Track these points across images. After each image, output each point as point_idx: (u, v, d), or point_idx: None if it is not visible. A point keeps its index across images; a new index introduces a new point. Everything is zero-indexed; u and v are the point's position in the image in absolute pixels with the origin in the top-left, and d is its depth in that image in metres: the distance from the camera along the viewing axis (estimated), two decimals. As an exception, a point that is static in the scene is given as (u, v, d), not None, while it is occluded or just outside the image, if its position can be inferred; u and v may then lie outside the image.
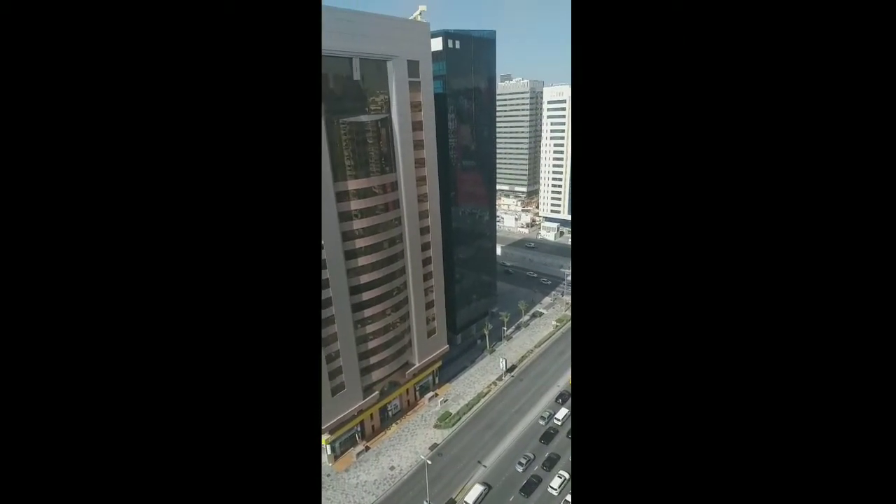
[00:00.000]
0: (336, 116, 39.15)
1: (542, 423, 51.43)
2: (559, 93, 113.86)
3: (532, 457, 46.34)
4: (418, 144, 47.48)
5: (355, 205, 42.23)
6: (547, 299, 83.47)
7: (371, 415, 50.20)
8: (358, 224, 42.92)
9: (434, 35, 52.12)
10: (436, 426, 51.64)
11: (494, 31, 63.77)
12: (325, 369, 43.34)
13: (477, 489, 42.39)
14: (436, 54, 51.92)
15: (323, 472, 45.62)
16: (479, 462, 46.44)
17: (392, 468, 46.00)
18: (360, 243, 43.62)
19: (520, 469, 44.91)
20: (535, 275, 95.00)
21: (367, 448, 48.68)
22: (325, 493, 43.10)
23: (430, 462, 43.82)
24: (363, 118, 41.73)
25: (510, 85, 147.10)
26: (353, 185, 41.61)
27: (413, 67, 44.47)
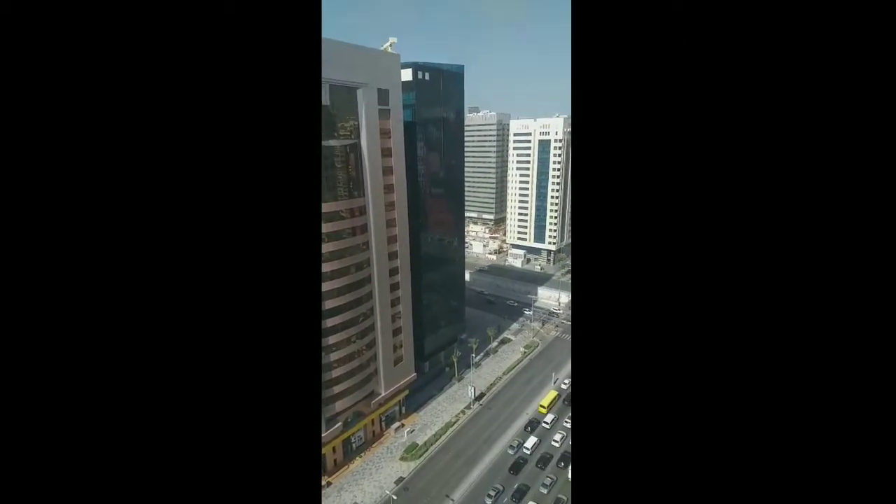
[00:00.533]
0: (304, 140, 39.04)
1: (511, 452, 50.57)
2: (524, 125, 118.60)
3: (501, 489, 45.21)
4: (387, 170, 47.83)
5: (323, 228, 41.63)
6: (515, 325, 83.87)
7: (334, 448, 47.82)
8: (325, 248, 42.17)
9: (404, 66, 53.56)
10: (402, 458, 49.74)
11: (462, 66, 66.31)
12: (285, 400, 41.26)
13: (444, 524, 40.62)
14: (406, 84, 53.24)
15: (280, 513, 42.63)
16: (447, 496, 44.83)
17: (355, 505, 43.64)
18: (326, 267, 42.70)
19: (489, 502, 43.64)
20: (505, 301, 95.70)
21: (329, 483, 46.10)
22: (282, 536, 40.10)
23: (395, 497, 41.95)
24: (332, 142, 41.76)
25: (478, 117, 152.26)
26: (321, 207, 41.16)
27: (383, 95, 45.33)
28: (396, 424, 55.15)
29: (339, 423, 47.28)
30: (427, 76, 59.98)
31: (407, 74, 55.94)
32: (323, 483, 45.65)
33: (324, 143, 40.80)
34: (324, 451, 46.43)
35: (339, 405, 46.92)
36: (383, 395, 52.19)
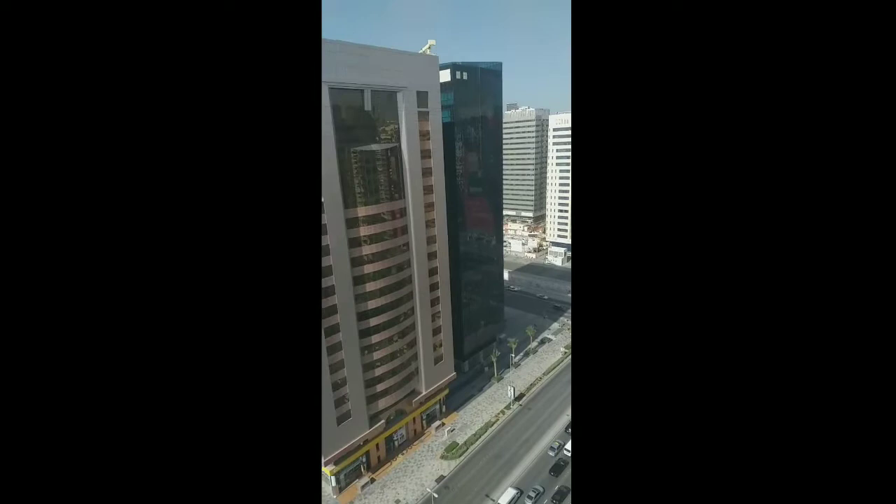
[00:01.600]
0: (348, 145, 40.06)
1: (551, 454, 49.91)
2: (564, 120, 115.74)
3: (542, 490, 44.75)
4: (426, 171, 48.23)
5: (364, 231, 42.63)
6: (555, 325, 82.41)
7: (377, 445, 49.08)
8: (367, 250, 43.20)
9: (443, 67, 53.76)
10: (442, 457, 50.29)
11: (500, 63, 65.63)
12: (330, 397, 42.77)
13: (485, 525, 40.76)
14: (444, 85, 53.40)
15: (327, 505, 44.31)
16: (488, 496, 44.92)
17: (398, 502, 44.60)
18: (368, 269, 43.77)
19: (529, 503, 43.33)
20: (545, 300, 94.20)
21: (373, 480, 47.39)
22: (329, 527, 41.65)
23: (436, 495, 42.50)
24: (374, 147, 42.63)
25: (516, 113, 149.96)
26: (362, 211, 42.14)
27: (422, 98, 45.69)
28: (437, 423, 55.77)
29: (382, 421, 48.41)
30: (465, 76, 59.87)
31: (445, 75, 56.11)
32: (367, 479, 46.98)
33: (365, 147, 41.74)
34: (367, 448, 47.74)
35: (381, 403, 48.05)
36: (424, 393, 52.91)
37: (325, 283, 40.63)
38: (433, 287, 52.30)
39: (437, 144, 48.55)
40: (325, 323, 41.31)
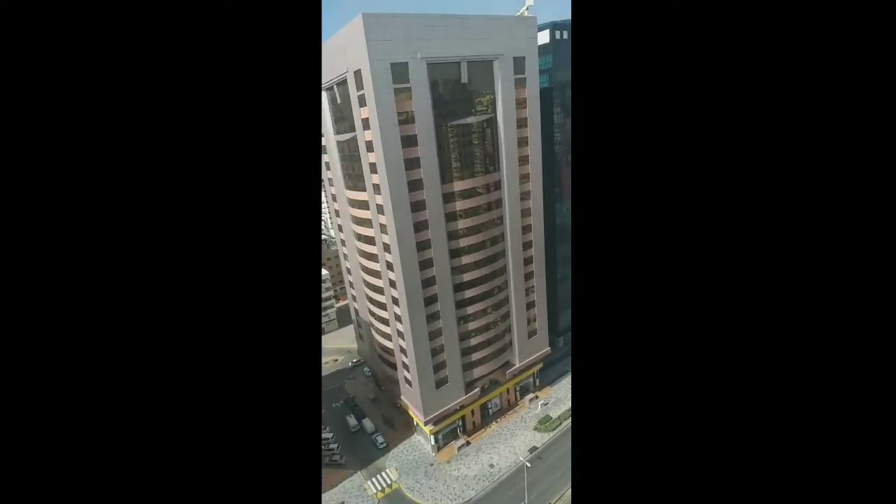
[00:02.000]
0: (445, 120, 40.39)
1: (653, 438, 47.44)
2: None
3: (642, 474, 43.02)
4: (522, 142, 46.76)
5: (460, 205, 43.23)
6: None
7: (472, 411, 51.23)
8: (462, 224, 43.89)
9: (541, 28, 50.61)
10: (535, 429, 50.81)
11: (606, 17, 59.68)
12: (430, 362, 45.41)
13: (580, 500, 40.66)
14: (542, 48, 50.43)
15: (426, 462, 47.89)
16: (583, 472, 44.53)
17: (491, 465, 46.46)
18: (463, 242, 44.58)
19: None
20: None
21: (468, 443, 49.84)
22: (428, 483, 45.20)
23: (529, 465, 43.30)
24: (469, 120, 42.37)
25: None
26: (458, 186, 42.63)
27: (519, 64, 43.82)
28: (531, 395, 56.19)
29: (477, 389, 50.21)
30: (565, 35, 55.72)
31: (544, 37, 52.83)
32: (462, 442, 49.55)
33: (461, 121, 41.67)
34: (463, 413, 50.10)
35: (476, 371, 49.72)
36: (518, 366, 53.41)
37: (423, 256, 42.44)
38: (527, 261, 51.57)
39: (533, 112, 46.57)
40: (424, 293, 43.42)
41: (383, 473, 47.14)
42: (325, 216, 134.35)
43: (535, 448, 48.17)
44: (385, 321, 50.30)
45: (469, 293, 46.45)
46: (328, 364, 71.30)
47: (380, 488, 45.15)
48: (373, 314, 53.10)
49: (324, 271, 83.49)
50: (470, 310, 47.15)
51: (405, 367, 48.23)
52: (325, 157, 55.22)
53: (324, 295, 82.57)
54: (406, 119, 38.29)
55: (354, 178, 46.01)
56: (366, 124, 39.47)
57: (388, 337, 51.12)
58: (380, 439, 51.38)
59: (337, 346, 76.70)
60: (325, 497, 44.40)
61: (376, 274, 48.09)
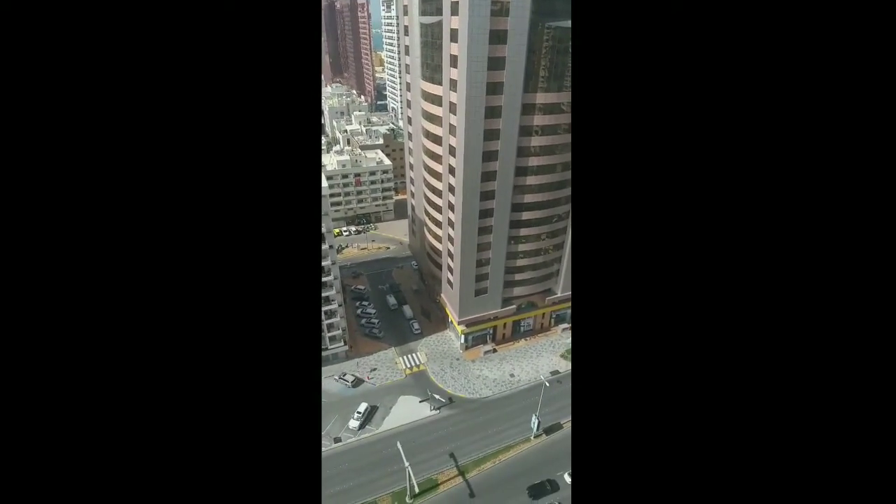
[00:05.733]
0: (543, 19, 35.41)
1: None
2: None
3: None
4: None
5: (538, 120, 39.91)
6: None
7: (505, 324, 53.48)
8: (535, 141, 40.99)
9: None
10: (562, 356, 52.60)
11: None
12: (474, 272, 46.67)
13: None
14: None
15: (453, 356, 52.11)
16: (596, 403, 46.57)
17: (512, 375, 49.70)
18: (532, 161, 42.14)
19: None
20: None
21: (495, 350, 53.03)
22: (452, 373, 49.65)
23: (547, 384, 45.76)
24: (563, 23, 36.85)
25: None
26: (540, 98, 38.87)
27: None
28: (565, 325, 57.20)
29: (514, 307, 51.71)
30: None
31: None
32: (490, 348, 52.76)
33: (561, 22, 36.33)
34: (496, 324, 52.48)
35: (516, 291, 50.70)
36: (558, 296, 53.62)
37: (488, 167, 40.85)
38: (597, 193, 48.36)
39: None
40: (481, 206, 42.84)
41: (414, 354, 52.38)
42: (396, 104, 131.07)
43: (556, 372, 50.43)
44: (438, 223, 51.12)
45: (525, 215, 45.23)
46: (380, 250, 75.79)
47: (409, 366, 50.68)
48: (428, 214, 53.96)
49: (386, 161, 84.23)
50: (523, 231, 46.37)
51: (450, 269, 50.03)
52: (405, 40, 51.79)
53: (384, 185, 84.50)
54: (500, 10, 33.99)
55: (433, 70, 43.20)
56: (454, 9, 35.63)
57: (438, 238, 52.40)
58: (415, 325, 56.13)
59: (390, 235, 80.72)
60: (361, 361, 51.02)
61: (437, 176, 47.62)
